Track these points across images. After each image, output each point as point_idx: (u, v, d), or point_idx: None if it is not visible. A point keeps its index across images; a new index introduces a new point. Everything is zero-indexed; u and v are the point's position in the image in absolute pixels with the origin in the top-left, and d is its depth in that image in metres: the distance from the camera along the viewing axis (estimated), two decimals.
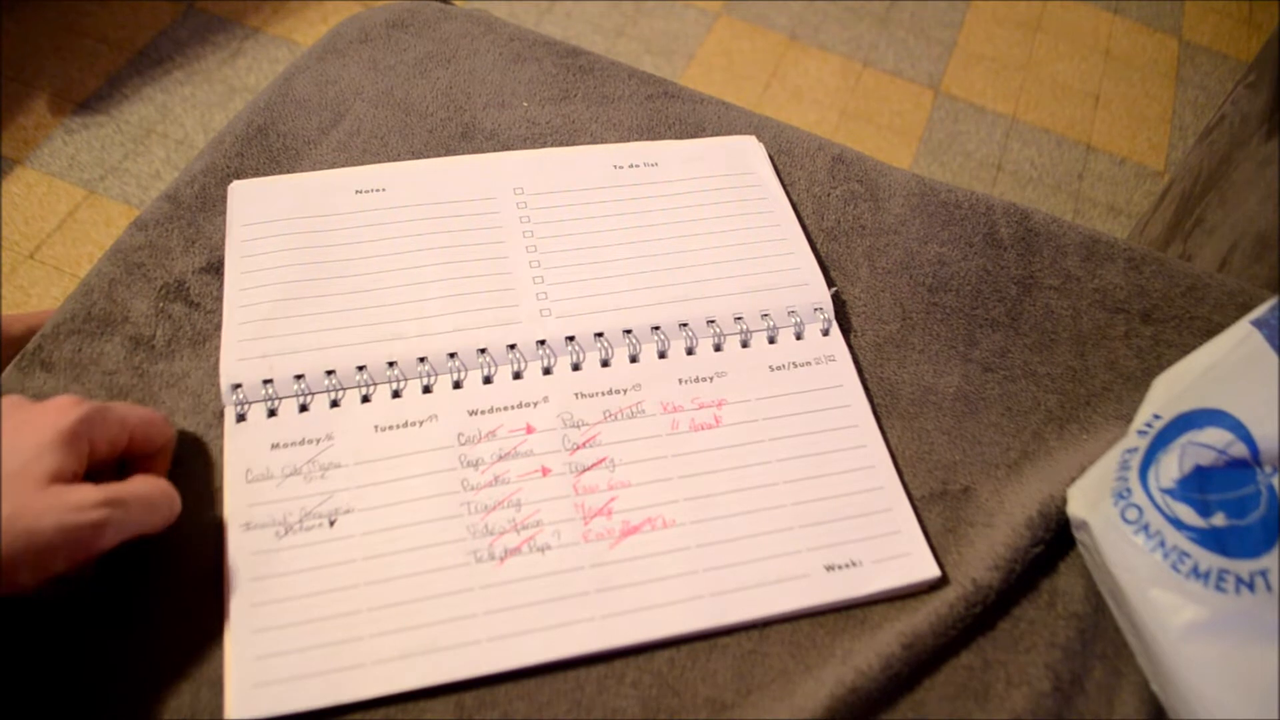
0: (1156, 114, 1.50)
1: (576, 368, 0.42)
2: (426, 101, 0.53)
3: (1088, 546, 0.39)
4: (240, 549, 0.36)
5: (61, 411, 0.32)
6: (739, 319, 0.45)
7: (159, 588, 0.36)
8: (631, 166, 0.50)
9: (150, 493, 0.34)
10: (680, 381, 0.43)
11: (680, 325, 0.44)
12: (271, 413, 0.40)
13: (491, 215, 0.47)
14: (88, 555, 0.31)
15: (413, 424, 0.40)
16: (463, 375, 0.42)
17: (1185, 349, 0.43)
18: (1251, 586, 0.34)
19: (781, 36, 1.52)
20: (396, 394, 0.41)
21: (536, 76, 0.55)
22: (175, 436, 0.38)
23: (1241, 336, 0.39)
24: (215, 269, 0.45)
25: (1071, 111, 1.48)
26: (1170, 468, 0.37)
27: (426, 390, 0.41)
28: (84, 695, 0.34)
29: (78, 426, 0.32)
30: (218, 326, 0.43)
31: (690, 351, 0.44)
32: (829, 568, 0.38)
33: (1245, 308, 0.47)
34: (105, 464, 0.35)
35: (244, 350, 0.41)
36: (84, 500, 0.31)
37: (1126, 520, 0.37)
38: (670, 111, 0.54)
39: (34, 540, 0.29)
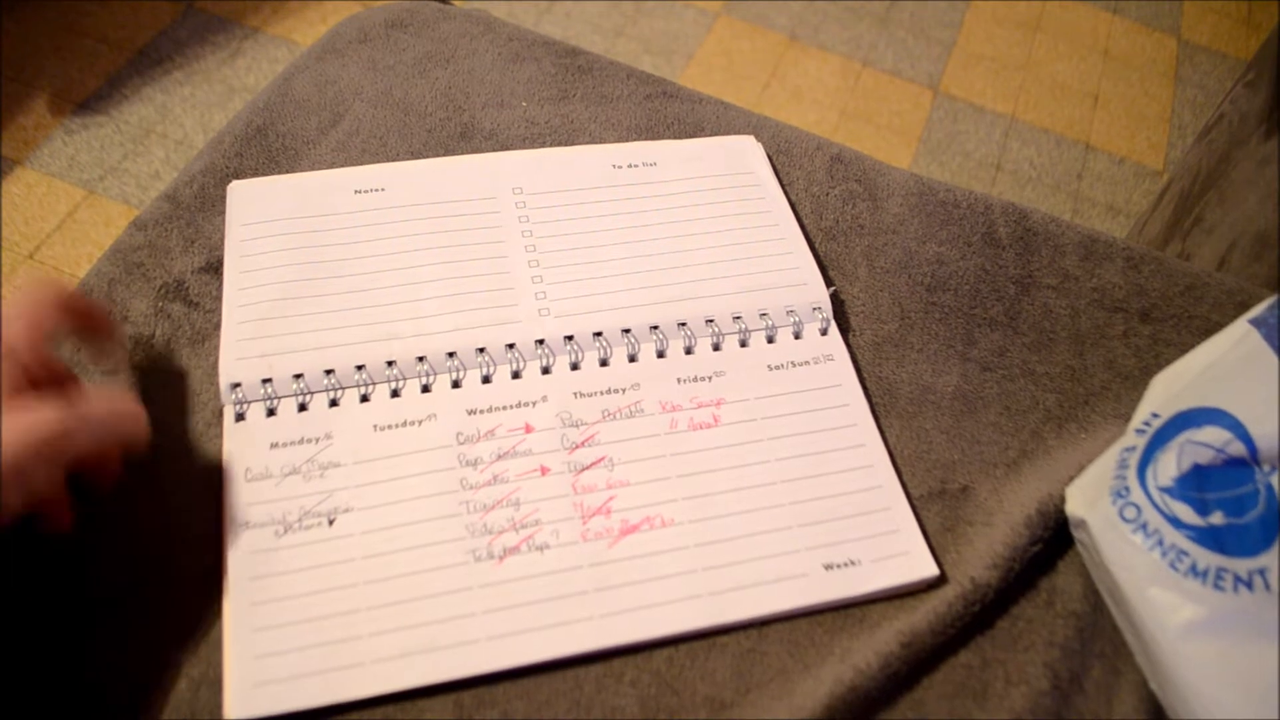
0: (1155, 113, 1.50)
1: (575, 367, 0.43)
2: (425, 101, 0.53)
3: (1086, 545, 0.39)
4: (239, 548, 0.36)
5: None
6: (737, 318, 0.45)
7: (158, 587, 0.36)
8: (630, 166, 0.50)
9: (111, 400, 0.34)
10: (679, 381, 0.43)
11: (679, 324, 0.44)
12: (270, 412, 0.40)
13: (490, 215, 0.47)
14: (62, 464, 0.31)
15: (411, 423, 0.40)
16: (461, 374, 0.42)
17: (1184, 348, 0.43)
18: (1250, 585, 0.34)
19: (781, 36, 1.52)
20: (395, 393, 0.41)
21: (535, 76, 0.55)
22: (120, 335, 0.38)
23: (1240, 335, 0.39)
24: (214, 269, 0.45)
25: (1070, 111, 1.48)
26: (1169, 466, 0.37)
27: (425, 389, 0.41)
28: (84, 695, 0.34)
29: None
30: (217, 326, 0.43)
31: (689, 351, 0.44)
32: (827, 566, 0.38)
33: (1244, 307, 0.47)
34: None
35: (243, 349, 0.41)
36: (41, 414, 0.30)
37: (1125, 519, 0.37)
38: (669, 111, 0.54)
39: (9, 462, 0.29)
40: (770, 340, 0.44)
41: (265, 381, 0.40)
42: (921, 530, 0.40)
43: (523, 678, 0.35)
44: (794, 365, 0.44)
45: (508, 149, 0.51)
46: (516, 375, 0.42)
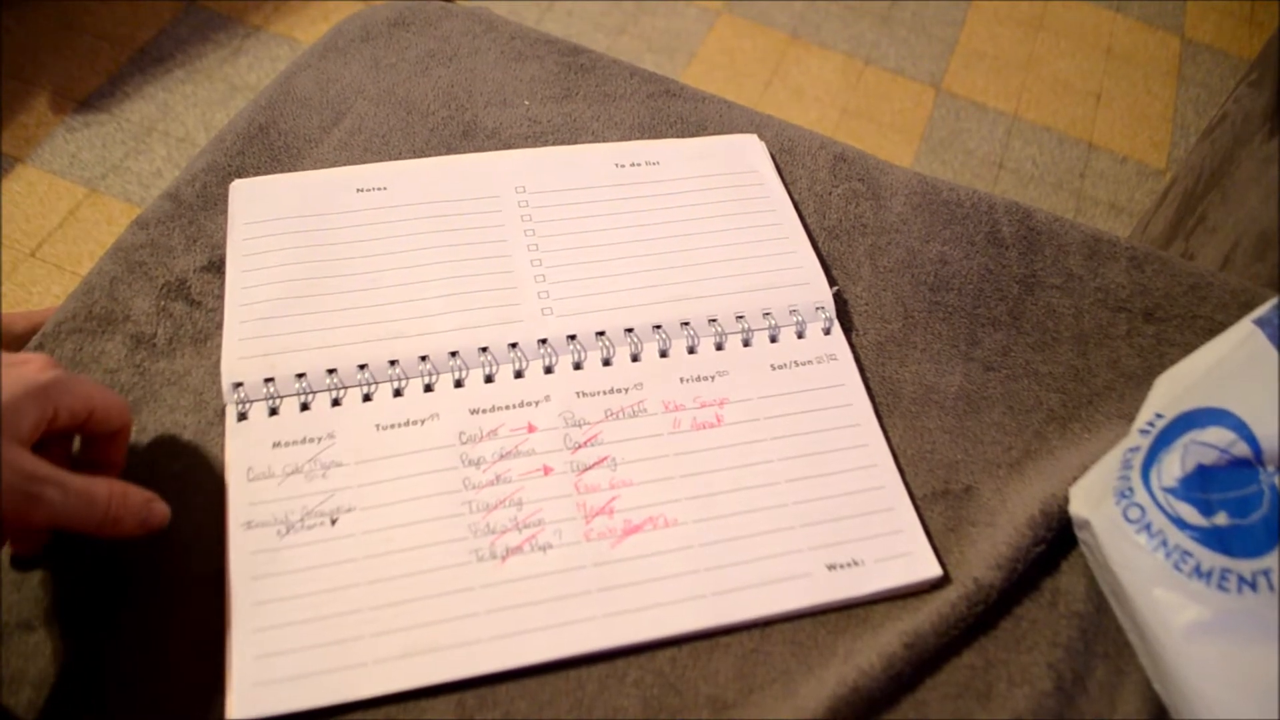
0: (1158, 112, 1.50)
1: (578, 366, 0.42)
2: (428, 100, 0.53)
3: (1090, 546, 0.39)
4: (241, 548, 0.36)
5: (39, 369, 0.32)
6: (741, 318, 0.44)
7: (160, 587, 0.36)
8: (633, 165, 0.50)
9: (95, 491, 0.33)
10: (682, 380, 0.43)
11: (682, 324, 0.44)
12: (273, 411, 0.40)
13: (493, 214, 0.47)
14: (13, 522, 0.31)
15: (414, 423, 0.40)
16: (464, 374, 0.42)
17: (1188, 348, 0.43)
18: (1254, 586, 0.34)
19: (783, 35, 1.52)
20: (398, 393, 0.41)
21: (538, 75, 0.55)
22: (131, 425, 0.38)
23: (1244, 336, 0.38)
24: (216, 267, 0.45)
25: (1073, 109, 1.48)
26: (1173, 467, 0.36)
27: (428, 389, 0.41)
28: (85, 695, 0.34)
29: (50, 388, 0.32)
30: (219, 325, 0.43)
31: (692, 350, 0.44)
32: (831, 567, 0.38)
33: (1248, 306, 0.47)
34: (60, 434, 0.34)
35: (245, 349, 0.41)
36: (35, 471, 0.30)
37: (1129, 519, 0.37)
38: (672, 110, 0.54)
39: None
40: (773, 340, 0.44)
41: (268, 381, 0.40)
42: (925, 530, 0.40)
43: (525, 678, 0.35)
44: (797, 365, 0.44)
45: (510, 148, 0.51)
46: (519, 375, 0.42)
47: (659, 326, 0.44)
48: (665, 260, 0.46)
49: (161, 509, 0.35)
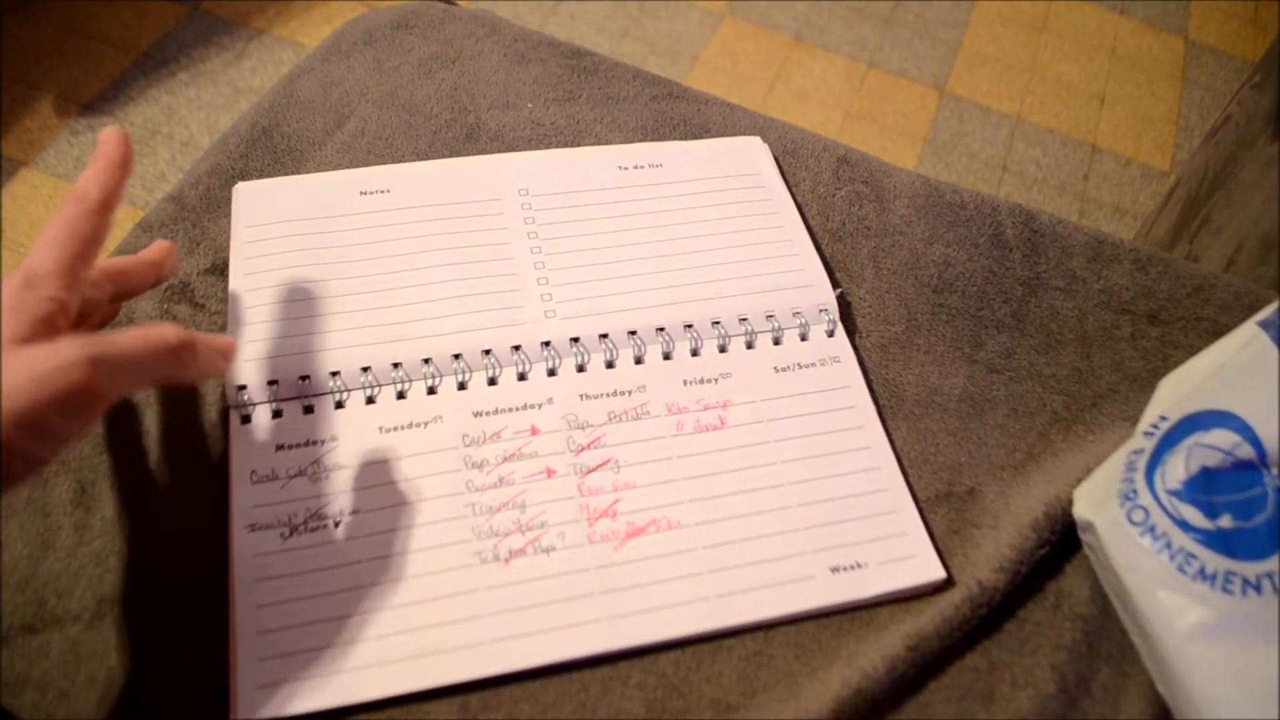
0: (1162, 114, 1.50)
1: (581, 369, 0.42)
2: (431, 103, 0.53)
3: (1093, 548, 0.39)
4: (245, 550, 0.36)
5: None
6: (744, 320, 0.44)
7: (164, 589, 0.36)
8: (636, 168, 0.50)
9: (138, 344, 0.29)
10: (685, 383, 0.43)
11: (685, 326, 0.44)
12: (276, 414, 0.40)
13: (496, 217, 0.47)
14: (91, 414, 0.28)
15: (417, 425, 0.40)
16: (467, 376, 0.42)
17: (1191, 350, 0.43)
18: (1258, 588, 0.34)
19: (786, 37, 1.52)
20: (401, 395, 0.41)
21: (541, 78, 0.55)
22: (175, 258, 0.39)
23: (1248, 338, 0.38)
24: (220, 270, 0.45)
25: (1077, 112, 1.48)
26: (1176, 469, 0.36)
27: (431, 391, 0.41)
28: (87, 697, 0.34)
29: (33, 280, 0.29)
30: (222, 328, 0.43)
31: (695, 353, 0.44)
32: (834, 569, 0.38)
33: (1252, 309, 0.47)
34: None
35: (249, 351, 0.41)
36: (62, 360, 0.27)
37: (1132, 522, 0.37)
38: (675, 112, 0.54)
39: (15, 409, 0.26)
40: (776, 342, 0.44)
41: (271, 383, 0.40)
42: (928, 533, 0.39)
43: (529, 680, 0.35)
44: (800, 367, 0.44)
45: (513, 150, 0.51)
46: (522, 377, 0.42)
47: (662, 329, 0.44)
48: (668, 263, 0.46)
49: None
